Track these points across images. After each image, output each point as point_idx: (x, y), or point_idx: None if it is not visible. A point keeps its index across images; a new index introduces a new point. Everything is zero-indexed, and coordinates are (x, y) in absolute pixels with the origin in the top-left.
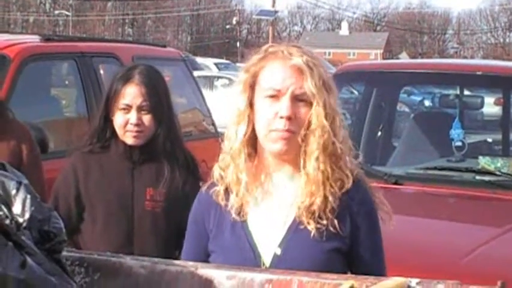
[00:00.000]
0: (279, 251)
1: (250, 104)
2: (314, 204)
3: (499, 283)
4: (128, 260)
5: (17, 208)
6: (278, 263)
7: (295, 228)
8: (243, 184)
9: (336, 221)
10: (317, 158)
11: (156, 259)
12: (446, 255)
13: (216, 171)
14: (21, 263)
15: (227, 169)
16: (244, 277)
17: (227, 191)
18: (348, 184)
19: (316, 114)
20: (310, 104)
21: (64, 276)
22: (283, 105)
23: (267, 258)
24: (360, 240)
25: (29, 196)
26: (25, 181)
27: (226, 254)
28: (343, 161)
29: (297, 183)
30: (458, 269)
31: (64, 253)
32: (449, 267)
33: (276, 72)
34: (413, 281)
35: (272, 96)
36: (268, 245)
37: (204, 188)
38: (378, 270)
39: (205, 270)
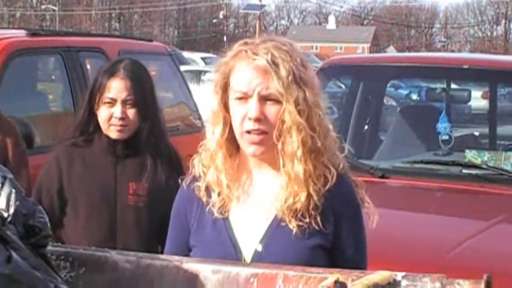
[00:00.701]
0: (260, 247)
1: (225, 105)
2: (297, 203)
3: (485, 276)
4: (113, 255)
5: (1, 202)
6: (259, 259)
7: (277, 225)
8: (224, 185)
9: (318, 219)
10: (296, 157)
11: (141, 254)
12: (433, 249)
13: (198, 167)
14: (6, 258)
15: (208, 168)
16: (230, 271)
17: (208, 188)
18: (332, 180)
19: (288, 112)
20: (279, 103)
21: (49, 271)
22: (251, 107)
23: (247, 254)
24: (343, 236)
25: (13, 191)
26: (10, 175)
27: (207, 249)
28: (326, 155)
29: (278, 181)
30: (445, 263)
31: (49, 248)
32: (435, 261)
33: (242, 74)
34: (399, 275)
35: (241, 98)
36: (249, 241)
37: (186, 182)
38: (360, 267)
39: (190, 265)
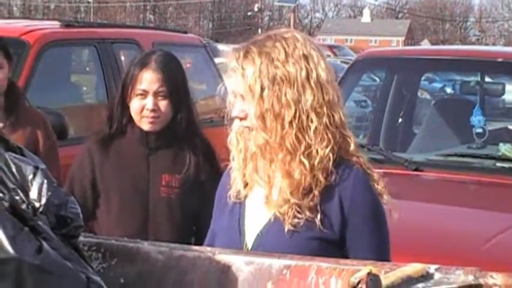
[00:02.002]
0: (260, 234)
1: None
2: (288, 201)
3: None
4: (145, 246)
5: (33, 193)
6: (258, 246)
7: (275, 218)
8: (246, 172)
9: (317, 213)
10: (280, 159)
11: (173, 244)
12: (466, 242)
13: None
14: (38, 248)
15: (234, 160)
16: (263, 263)
17: (236, 176)
18: (303, 176)
19: (253, 113)
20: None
21: (80, 261)
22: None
23: (249, 240)
24: (353, 230)
25: (45, 181)
26: (42, 166)
27: (220, 233)
28: (298, 154)
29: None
30: (479, 256)
31: (81, 238)
32: (469, 254)
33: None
34: (432, 268)
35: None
36: (253, 228)
37: (228, 169)
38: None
39: (222, 256)
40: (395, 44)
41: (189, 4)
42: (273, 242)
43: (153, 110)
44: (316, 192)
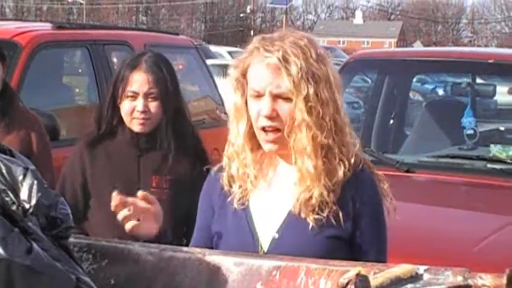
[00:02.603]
0: (277, 236)
1: (245, 100)
2: (312, 198)
3: (507, 271)
4: (136, 247)
5: (23, 194)
6: (276, 248)
7: (294, 216)
8: (251, 178)
9: (336, 212)
10: (306, 154)
11: (163, 246)
12: (457, 243)
13: (223, 159)
14: (28, 249)
15: (232, 162)
16: (252, 264)
17: (232, 179)
18: (346, 173)
19: (298, 110)
20: (291, 100)
21: (70, 262)
22: (263, 105)
23: (265, 243)
24: (362, 229)
25: (35, 182)
26: (32, 167)
27: (227, 236)
28: (337, 150)
29: (293, 175)
30: (469, 257)
31: (71, 239)
32: (459, 255)
33: (255, 72)
34: (421, 268)
35: (256, 96)
36: (267, 230)
37: (213, 170)
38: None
39: (212, 257)
40: (387, 45)
41: (182, 6)
42: (293, 242)
43: (143, 112)
44: (337, 191)
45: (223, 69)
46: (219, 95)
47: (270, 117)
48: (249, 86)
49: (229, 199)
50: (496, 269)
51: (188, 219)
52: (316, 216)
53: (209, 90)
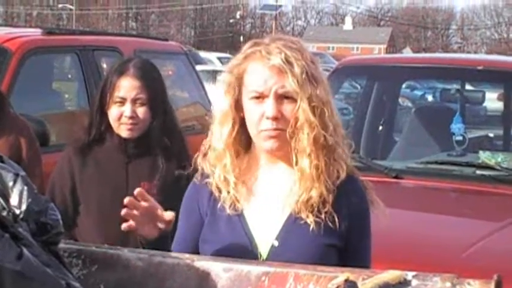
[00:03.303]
0: (276, 243)
1: (236, 105)
2: (312, 198)
3: (495, 276)
4: (125, 252)
5: (14, 200)
6: (275, 255)
7: (293, 221)
8: (231, 184)
9: (333, 215)
10: (309, 154)
11: (152, 251)
12: (446, 249)
13: (206, 166)
14: (18, 255)
15: (215, 167)
16: (241, 269)
17: (217, 185)
18: (343, 175)
19: (302, 111)
20: (295, 100)
21: (60, 268)
22: (268, 106)
23: (264, 250)
24: (353, 234)
25: (26, 188)
26: (22, 173)
27: (222, 244)
28: (337, 152)
29: (291, 177)
30: (458, 263)
31: (61, 245)
32: (448, 261)
33: (257, 74)
34: (410, 274)
35: (257, 98)
36: (265, 237)
37: (196, 179)
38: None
39: (201, 263)
40: (377, 51)
41: (171, 12)
42: (292, 249)
43: (131, 117)
44: (335, 192)
45: (213, 75)
46: (209, 101)
47: (275, 118)
48: (247, 89)
49: (219, 205)
50: (484, 275)
51: (176, 226)
52: (316, 219)
53: (199, 97)
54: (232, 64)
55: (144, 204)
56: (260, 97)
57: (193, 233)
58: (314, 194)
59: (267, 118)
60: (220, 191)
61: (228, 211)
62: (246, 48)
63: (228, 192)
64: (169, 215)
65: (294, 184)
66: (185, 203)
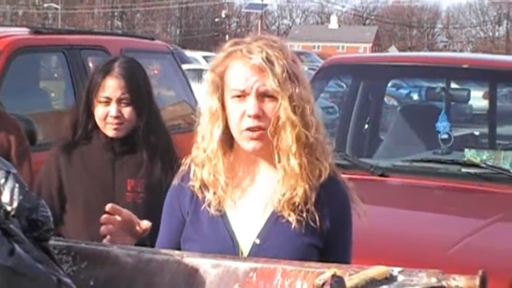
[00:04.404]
0: (258, 241)
1: (222, 104)
2: (295, 197)
3: (480, 272)
4: (115, 249)
5: (5, 197)
6: (257, 253)
7: (275, 220)
8: (222, 185)
9: (315, 214)
10: (291, 152)
11: (142, 248)
12: (431, 246)
13: (190, 166)
14: (10, 251)
15: (202, 168)
16: (229, 266)
17: (203, 185)
18: (325, 173)
19: (283, 109)
20: (276, 99)
21: (51, 264)
22: (250, 105)
23: (245, 248)
24: (334, 233)
25: (17, 185)
26: (13, 170)
27: (204, 243)
28: (318, 150)
29: (274, 176)
30: (443, 260)
31: (52, 242)
32: (434, 259)
33: (238, 73)
34: (396, 270)
35: (238, 96)
36: (247, 235)
37: (177, 179)
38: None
39: (190, 259)
40: (362, 50)
41: (157, 11)
42: (274, 247)
43: (116, 117)
44: (318, 189)
45: (199, 74)
46: (195, 100)
47: (256, 116)
48: (229, 88)
49: (203, 206)
50: (469, 272)
51: None
52: (298, 217)
53: (185, 95)
54: (214, 63)
55: (118, 218)
56: (241, 95)
57: (175, 234)
58: (297, 192)
59: (249, 116)
60: (203, 192)
61: (212, 211)
62: (227, 46)
63: (215, 193)
64: (145, 224)
65: (277, 183)
66: (166, 205)
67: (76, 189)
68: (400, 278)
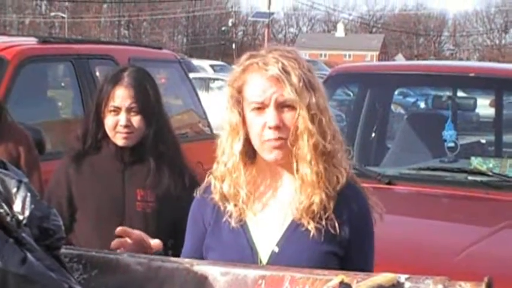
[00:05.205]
0: (276, 249)
1: (242, 118)
2: (312, 205)
3: (485, 279)
4: (125, 257)
5: (17, 206)
6: (275, 261)
7: (294, 229)
8: (243, 197)
9: (335, 222)
10: (309, 162)
11: (152, 256)
12: (438, 254)
13: (211, 179)
14: (22, 259)
15: (222, 182)
16: (238, 273)
17: (224, 198)
18: (343, 181)
19: (301, 118)
20: (295, 109)
21: (63, 272)
22: (270, 116)
23: (264, 256)
24: (354, 241)
25: (29, 194)
26: (25, 179)
27: (224, 251)
28: (336, 158)
29: (293, 185)
30: (450, 268)
31: (63, 250)
32: (440, 266)
33: (256, 85)
34: (403, 277)
35: (258, 109)
36: (266, 244)
37: (200, 191)
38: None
39: (200, 267)
40: (369, 58)
41: (163, 19)
42: (292, 256)
43: (126, 126)
44: (336, 198)
45: (206, 82)
46: (202, 109)
47: (277, 127)
48: (248, 101)
49: (224, 218)
50: (475, 279)
51: (174, 232)
52: (317, 225)
53: (192, 104)
54: (232, 77)
55: (129, 241)
56: (261, 108)
57: (198, 244)
58: (315, 200)
59: (269, 128)
60: (225, 203)
61: (233, 222)
62: (243, 60)
63: (236, 205)
64: (156, 244)
65: (295, 191)
66: (190, 216)
67: (86, 199)
68: (407, 285)
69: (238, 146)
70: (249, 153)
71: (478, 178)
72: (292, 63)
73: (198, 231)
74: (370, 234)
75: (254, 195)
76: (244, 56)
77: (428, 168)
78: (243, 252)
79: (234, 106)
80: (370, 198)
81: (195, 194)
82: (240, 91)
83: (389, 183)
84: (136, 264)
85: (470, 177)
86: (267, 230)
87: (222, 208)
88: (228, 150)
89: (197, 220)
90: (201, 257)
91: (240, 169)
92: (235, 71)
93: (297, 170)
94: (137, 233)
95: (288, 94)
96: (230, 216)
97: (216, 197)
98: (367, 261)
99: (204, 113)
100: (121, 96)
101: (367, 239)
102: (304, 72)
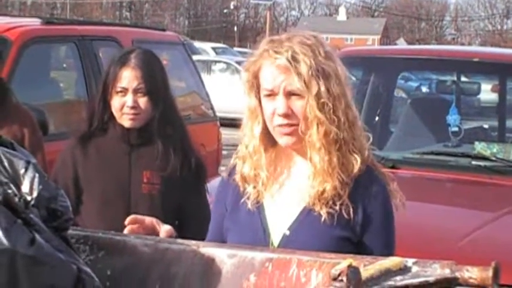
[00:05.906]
0: (288, 233)
1: (259, 101)
2: (325, 192)
3: (493, 263)
4: (132, 239)
5: (25, 186)
6: (286, 244)
7: (307, 214)
8: (263, 179)
9: (348, 207)
10: (319, 149)
11: (158, 238)
12: (443, 238)
13: (234, 159)
14: (30, 240)
15: (244, 163)
16: (245, 256)
17: (245, 179)
18: (357, 168)
19: (309, 107)
20: (303, 97)
21: (71, 252)
22: (278, 103)
23: (276, 239)
24: (372, 228)
25: (37, 175)
26: (33, 160)
27: (240, 232)
28: (352, 144)
29: (307, 172)
30: (454, 252)
31: (70, 231)
32: (445, 250)
33: (267, 73)
34: (410, 261)
35: (269, 95)
36: (279, 227)
37: (225, 174)
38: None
39: (207, 249)
40: (370, 42)
41: (165, 1)
42: (303, 240)
43: (133, 107)
44: (350, 184)
45: (208, 65)
46: (205, 91)
47: (285, 115)
48: (262, 87)
49: (243, 199)
50: (481, 263)
51: (179, 214)
52: (329, 210)
53: (195, 86)
54: (248, 62)
55: (140, 229)
56: (272, 94)
57: (221, 225)
58: (326, 188)
59: (278, 115)
60: (244, 184)
61: (250, 204)
62: (261, 45)
63: (255, 187)
64: (166, 229)
65: (309, 178)
66: (214, 197)
67: (92, 181)
68: (414, 268)
69: (258, 129)
70: (270, 136)
71: (482, 163)
72: (305, 50)
73: (220, 212)
74: (388, 219)
75: (272, 178)
76: (264, 41)
77: (432, 153)
78: (256, 234)
79: (250, 90)
80: (390, 185)
81: (219, 173)
82: (255, 76)
83: (393, 167)
84: (143, 246)
85: (474, 162)
86: (281, 214)
87: (241, 189)
88: (249, 133)
89: (220, 200)
90: (221, 235)
91: (261, 152)
92: (252, 55)
93: (310, 157)
94: (149, 219)
95: (296, 83)
96: (248, 198)
97: (237, 177)
98: (388, 245)
99: (207, 95)
100: (128, 77)
101: (385, 224)
102: (317, 60)
